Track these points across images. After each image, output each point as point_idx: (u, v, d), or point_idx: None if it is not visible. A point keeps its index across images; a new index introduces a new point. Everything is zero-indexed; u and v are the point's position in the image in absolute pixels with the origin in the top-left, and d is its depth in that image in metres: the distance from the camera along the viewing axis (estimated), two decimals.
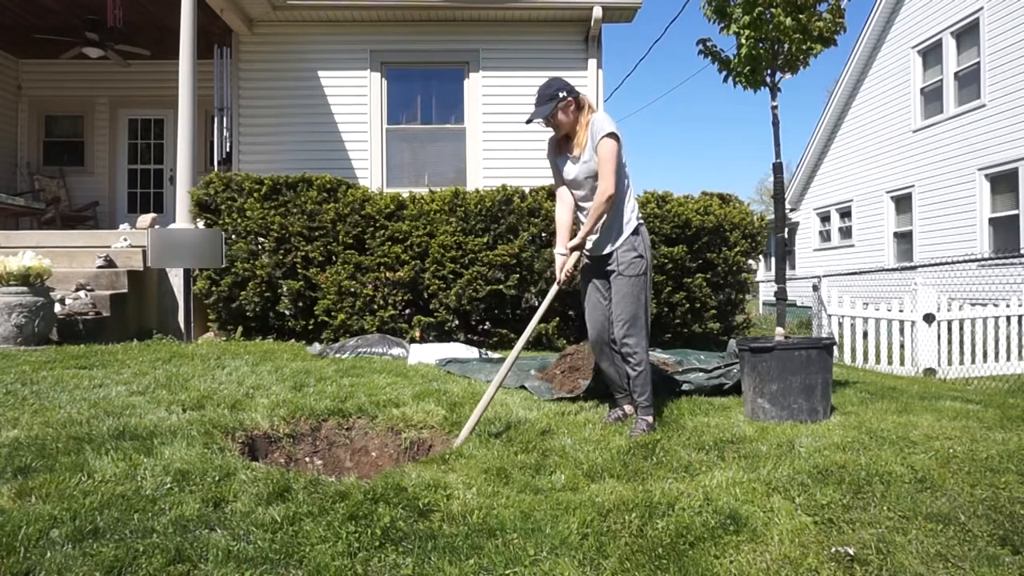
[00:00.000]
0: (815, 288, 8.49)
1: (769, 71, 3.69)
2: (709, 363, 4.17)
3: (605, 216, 3.14)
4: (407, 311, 6.44)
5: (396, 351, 5.39)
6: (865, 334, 8.19)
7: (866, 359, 8.09)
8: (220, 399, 3.42)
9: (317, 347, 5.57)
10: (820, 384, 3.33)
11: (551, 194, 6.46)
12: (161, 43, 8.65)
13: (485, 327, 6.59)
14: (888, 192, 14.20)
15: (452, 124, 8.95)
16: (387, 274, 6.19)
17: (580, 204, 3.30)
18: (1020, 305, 8.04)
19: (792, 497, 2.28)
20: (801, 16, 3.51)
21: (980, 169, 11.51)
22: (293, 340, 6.24)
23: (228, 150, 8.60)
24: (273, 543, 1.89)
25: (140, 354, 4.85)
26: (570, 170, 3.26)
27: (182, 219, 6.59)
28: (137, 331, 6.11)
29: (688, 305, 6.40)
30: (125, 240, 6.73)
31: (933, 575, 1.84)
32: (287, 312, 6.38)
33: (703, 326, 6.51)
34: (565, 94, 3.15)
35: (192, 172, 6.62)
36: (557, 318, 6.19)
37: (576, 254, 3.24)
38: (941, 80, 12.50)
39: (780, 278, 3.75)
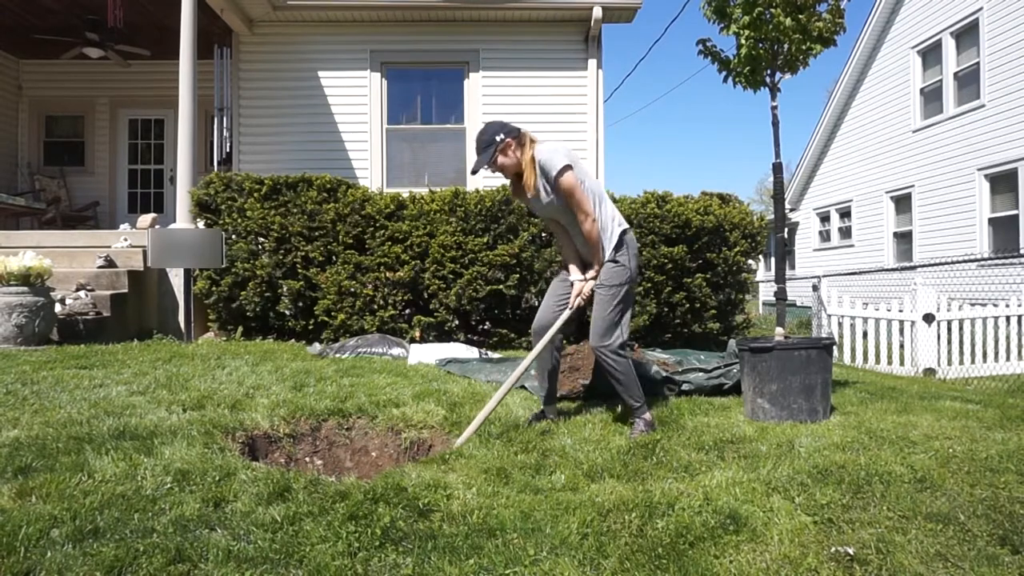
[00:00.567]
0: (815, 288, 8.49)
1: (769, 71, 3.70)
2: (709, 363, 4.18)
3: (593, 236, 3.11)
4: (407, 311, 6.44)
5: (396, 351, 5.40)
6: (865, 334, 8.19)
7: (866, 359, 8.09)
8: (220, 399, 3.42)
9: (317, 347, 5.57)
10: (820, 384, 3.33)
11: None
12: (161, 43, 8.66)
13: (485, 327, 6.59)
14: (888, 192, 14.20)
15: (452, 124, 8.96)
16: (387, 274, 6.19)
17: (568, 229, 3.23)
18: (1020, 305, 8.04)
19: (792, 497, 2.28)
20: (801, 16, 3.51)
21: (980, 169, 11.52)
22: (293, 340, 6.24)
23: (228, 150, 8.60)
24: (273, 543, 1.89)
25: (140, 354, 4.86)
26: (538, 208, 3.22)
27: (182, 219, 6.59)
28: (137, 331, 6.11)
29: (688, 305, 6.40)
30: (125, 240, 6.73)
31: (933, 575, 1.84)
32: (287, 312, 6.38)
33: (703, 326, 6.51)
34: (502, 136, 3.06)
35: (192, 172, 6.62)
36: None
37: (591, 284, 3.20)
38: (941, 80, 12.50)
39: (780, 278, 3.75)
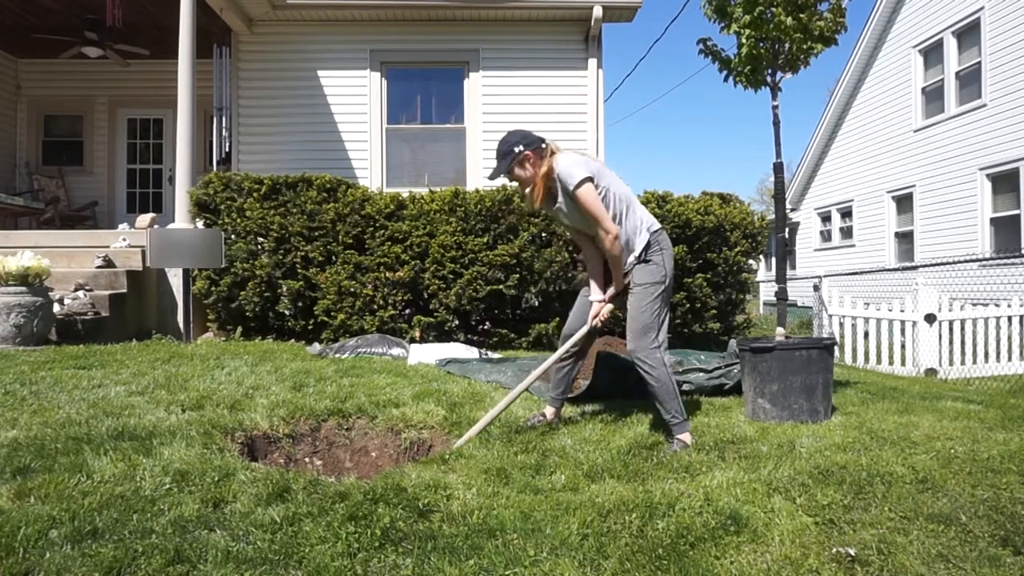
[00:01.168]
0: (816, 288, 8.48)
1: (770, 70, 3.69)
2: (709, 363, 4.17)
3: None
4: (407, 311, 6.43)
5: (396, 351, 5.39)
6: (866, 334, 8.18)
7: (867, 359, 8.08)
8: (219, 399, 3.42)
9: (317, 347, 5.56)
10: (821, 384, 3.32)
11: None
12: (160, 43, 8.65)
13: (485, 327, 6.59)
14: (889, 192, 14.19)
15: (452, 124, 8.95)
16: (387, 274, 6.18)
17: (596, 242, 3.12)
18: (1021, 305, 8.03)
19: (793, 498, 2.28)
20: (802, 15, 3.51)
21: (981, 169, 11.51)
22: (293, 340, 6.24)
23: (227, 150, 8.60)
24: (272, 543, 1.88)
25: (139, 354, 4.85)
26: (564, 218, 3.12)
27: (181, 219, 6.58)
28: (136, 331, 6.10)
29: (688, 305, 6.39)
30: (124, 240, 6.72)
31: None
32: (287, 312, 6.37)
33: (703, 326, 6.50)
34: (522, 148, 2.95)
35: (191, 172, 6.62)
36: (557, 318, 6.18)
37: (610, 307, 3.16)
38: (942, 80, 12.49)
39: (781, 278, 3.74)
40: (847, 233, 16.09)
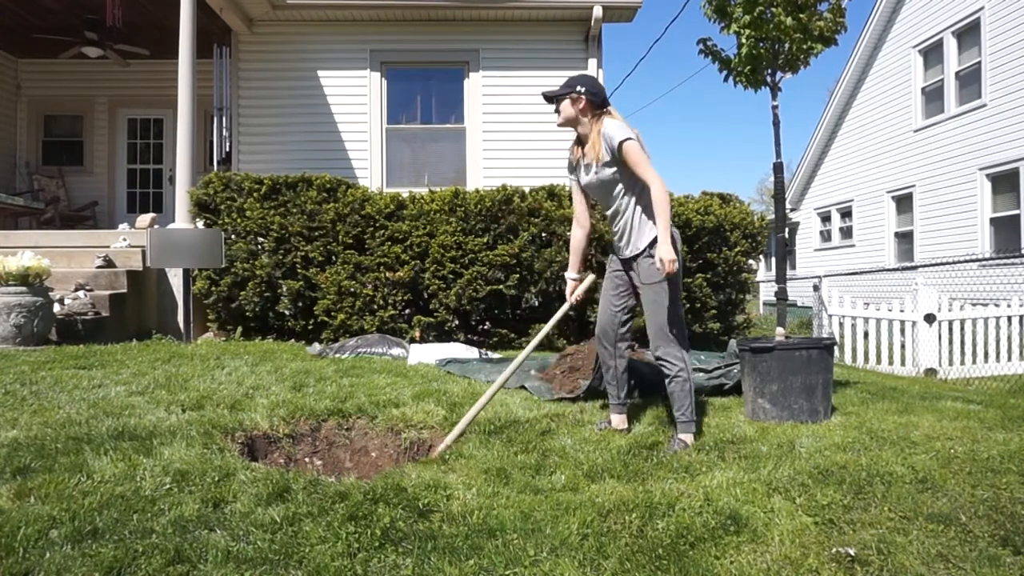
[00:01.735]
0: (816, 288, 8.48)
1: (770, 70, 3.69)
2: (709, 363, 4.17)
3: (631, 215, 3.04)
4: (407, 311, 6.43)
5: (396, 351, 5.39)
6: (866, 334, 8.18)
7: (867, 359, 8.08)
8: (220, 399, 3.42)
9: (317, 347, 5.56)
10: (821, 384, 3.32)
11: (551, 194, 6.45)
12: (160, 43, 8.65)
13: (485, 327, 6.59)
14: (889, 192, 14.19)
15: (452, 124, 8.95)
16: (387, 274, 6.18)
17: (603, 211, 3.19)
18: (1021, 305, 8.03)
19: (793, 497, 2.28)
20: (802, 15, 3.51)
21: (981, 169, 11.51)
22: (293, 340, 6.24)
23: (228, 150, 8.59)
24: (273, 543, 1.88)
25: (139, 354, 4.85)
26: (583, 177, 3.20)
27: (181, 219, 6.58)
28: (136, 331, 6.10)
29: (688, 305, 6.39)
30: (124, 240, 6.72)
31: None
32: (287, 312, 6.37)
33: (703, 326, 6.50)
34: (582, 90, 3.05)
35: (191, 172, 6.62)
36: None
37: (589, 279, 3.23)
38: (942, 80, 12.49)
39: (780, 278, 3.75)
40: (847, 233, 16.09)
